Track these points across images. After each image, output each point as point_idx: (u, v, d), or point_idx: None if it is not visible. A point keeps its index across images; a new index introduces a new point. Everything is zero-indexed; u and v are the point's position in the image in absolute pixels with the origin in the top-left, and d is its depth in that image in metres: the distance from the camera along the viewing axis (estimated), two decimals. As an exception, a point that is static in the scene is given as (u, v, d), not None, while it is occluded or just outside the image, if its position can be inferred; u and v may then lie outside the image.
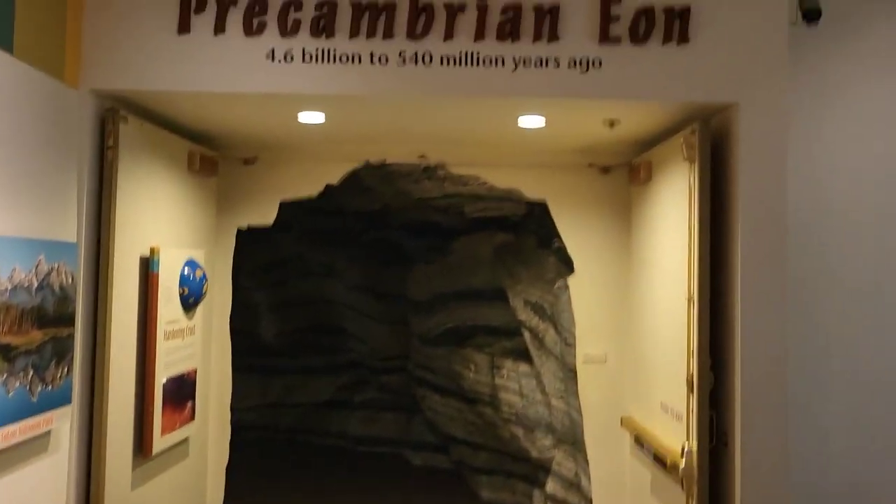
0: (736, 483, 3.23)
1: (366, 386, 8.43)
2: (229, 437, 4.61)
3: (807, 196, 3.67)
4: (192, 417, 4.07)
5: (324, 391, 8.52)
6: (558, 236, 4.72)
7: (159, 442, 3.65)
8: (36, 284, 2.76)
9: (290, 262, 8.50)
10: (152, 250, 3.59)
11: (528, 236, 5.80)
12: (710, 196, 3.33)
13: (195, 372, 4.09)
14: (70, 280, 3.01)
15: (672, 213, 3.73)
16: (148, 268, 3.58)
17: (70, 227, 3.09)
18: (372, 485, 7.12)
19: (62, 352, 2.94)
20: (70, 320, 3.01)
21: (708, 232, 3.32)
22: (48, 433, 2.93)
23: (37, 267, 2.76)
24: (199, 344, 4.15)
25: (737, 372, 3.27)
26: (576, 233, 4.66)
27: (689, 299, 3.39)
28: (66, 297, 2.97)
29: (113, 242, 3.27)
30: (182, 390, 3.91)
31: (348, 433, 8.34)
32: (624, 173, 4.57)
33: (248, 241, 5.00)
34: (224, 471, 4.59)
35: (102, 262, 3.25)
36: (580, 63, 3.29)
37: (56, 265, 2.90)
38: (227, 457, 4.60)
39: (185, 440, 4.08)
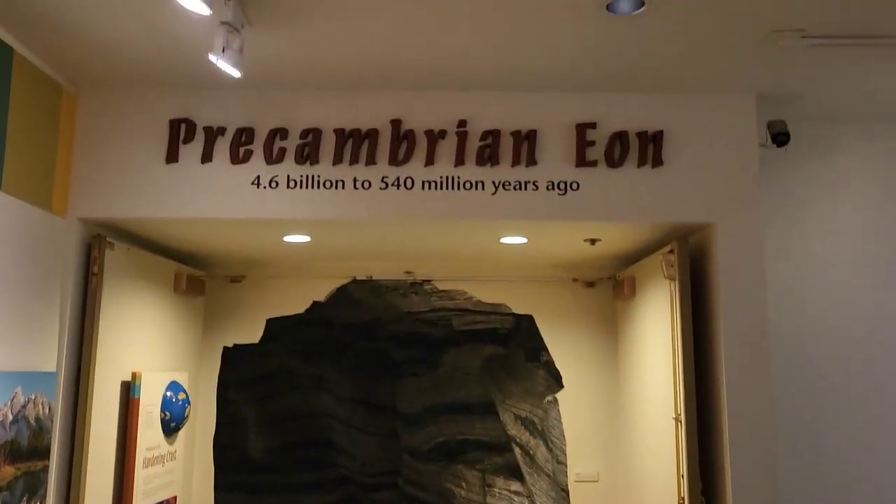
0: None
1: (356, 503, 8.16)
2: (209, 567, 4.42)
3: (785, 309, 3.70)
4: (171, 548, 3.92)
5: (312, 509, 8.24)
6: (546, 350, 4.71)
7: (134, 577, 3.50)
8: (10, 418, 2.71)
9: (279, 375, 8.39)
10: (134, 375, 3.56)
11: (517, 349, 5.77)
12: (692, 312, 3.34)
13: (175, 500, 3.97)
14: (47, 411, 2.96)
15: (656, 329, 3.74)
16: (129, 393, 3.53)
17: (50, 356, 3.07)
18: None
19: (34, 487, 2.86)
20: (45, 453, 2.95)
21: (692, 350, 3.32)
22: (15, 574, 2.81)
23: (12, 400, 2.73)
24: (179, 470, 4.05)
25: (728, 497, 3.19)
26: (563, 347, 4.65)
27: (677, 419, 3.35)
28: (41, 430, 2.91)
29: (93, 370, 3.24)
30: (160, 519, 3.79)
31: (337, 554, 8.01)
32: (609, 287, 4.60)
33: (234, 357, 4.97)
34: None
35: (82, 391, 3.21)
36: (558, 186, 3.38)
37: (33, 396, 2.87)
38: (207, 588, 4.40)
39: (163, 572, 3.91)
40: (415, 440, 7.13)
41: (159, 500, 3.75)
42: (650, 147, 3.38)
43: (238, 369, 8.53)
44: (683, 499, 3.25)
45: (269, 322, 4.78)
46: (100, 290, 3.31)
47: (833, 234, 3.80)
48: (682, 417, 3.28)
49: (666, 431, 3.47)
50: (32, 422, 2.85)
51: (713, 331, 3.36)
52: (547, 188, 3.38)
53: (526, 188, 3.38)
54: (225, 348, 4.66)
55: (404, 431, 7.39)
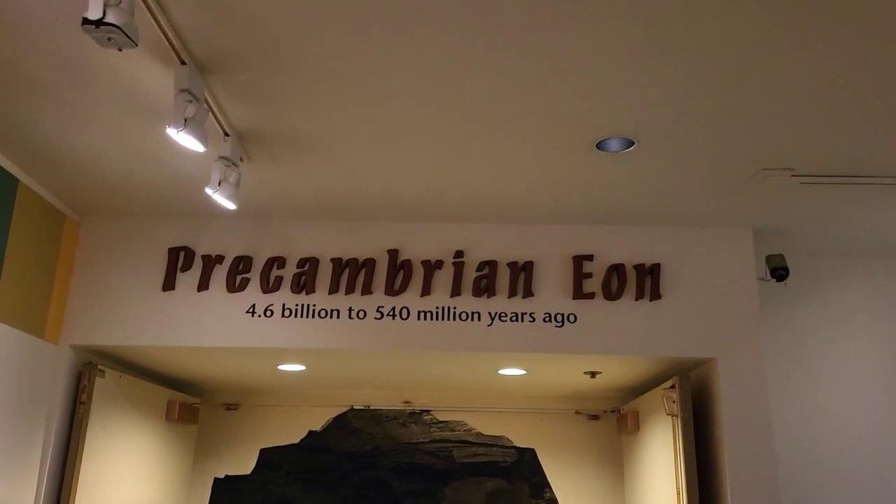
0: None
1: None
2: None
3: (790, 446, 3.56)
4: None
5: None
6: (549, 486, 4.52)
7: None
8: (-23, 557, 2.58)
9: (279, 503, 8.08)
10: (116, 510, 3.42)
11: (521, 483, 5.55)
12: (696, 448, 3.21)
13: None
14: (18, 549, 2.83)
15: (662, 466, 3.58)
16: (109, 530, 3.38)
17: (30, 491, 2.96)
18: None
19: None
20: None
21: (696, 490, 3.16)
22: None
23: (-19, 538, 2.61)
24: None
25: None
26: (567, 482, 4.46)
27: (684, 567, 3.15)
28: (10, 569, 2.77)
29: (73, 505, 3.12)
30: None
31: None
32: (612, 420, 4.46)
33: (224, 489, 4.79)
34: None
35: (58, 528, 3.08)
36: (555, 318, 3.34)
37: (4, 533, 2.74)
38: None
39: None
40: (416, 582, 6.74)
41: None
42: (647, 280, 3.36)
43: (230, 501, 8.22)
44: None
45: (264, 452, 4.65)
46: (86, 419, 3.24)
47: (836, 369, 3.71)
48: (690, 566, 3.09)
49: (673, 580, 3.26)
50: (1, 562, 2.71)
51: (718, 467, 3.22)
52: (544, 320, 3.34)
53: (523, 320, 3.34)
54: (216, 479, 4.50)
55: (405, 572, 7.00)
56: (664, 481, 3.53)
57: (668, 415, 3.37)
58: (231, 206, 2.68)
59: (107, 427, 3.40)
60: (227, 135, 2.58)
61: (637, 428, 4.02)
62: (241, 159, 2.74)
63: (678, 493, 3.24)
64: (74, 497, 3.12)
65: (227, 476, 4.52)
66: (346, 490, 7.99)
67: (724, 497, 3.15)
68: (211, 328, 3.32)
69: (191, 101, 2.18)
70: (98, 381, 3.33)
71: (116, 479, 3.49)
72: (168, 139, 2.34)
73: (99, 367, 3.34)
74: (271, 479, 8.37)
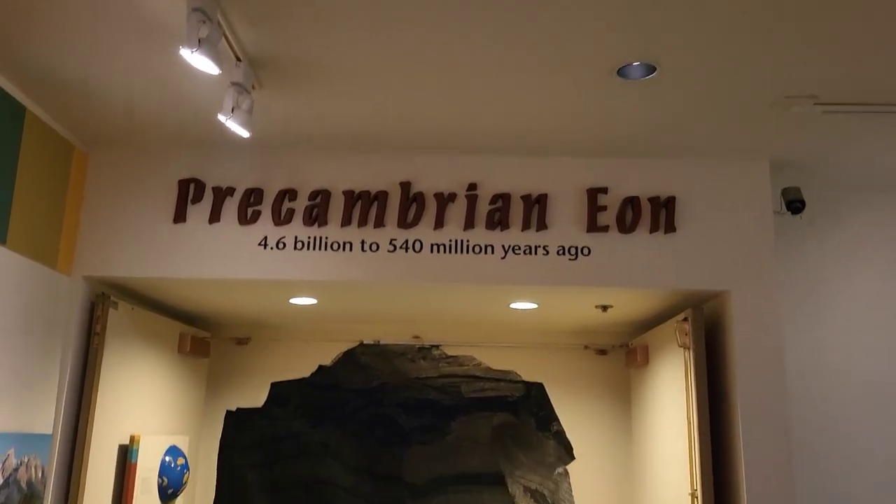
0: None
1: (360, 576, 7.87)
2: None
3: (802, 378, 3.57)
4: None
5: (315, 582, 7.95)
6: (557, 419, 4.58)
7: None
8: (1, 481, 2.62)
9: (285, 440, 8.22)
10: (132, 439, 3.47)
11: (528, 418, 5.63)
12: (707, 382, 3.23)
13: (169, 570, 3.82)
14: (40, 475, 2.87)
15: (671, 399, 3.62)
16: (126, 457, 3.43)
17: (46, 418, 2.99)
18: None
19: (22, 555, 2.75)
20: (35, 519, 2.84)
21: (707, 423, 3.19)
22: None
23: (4, 462, 2.64)
24: (175, 539, 3.91)
25: (749, 578, 3.02)
26: (575, 416, 4.51)
27: (693, 495, 3.20)
28: (33, 495, 2.81)
29: (90, 433, 3.15)
30: (153, 592, 3.63)
31: None
32: (621, 355, 4.49)
33: (237, 421, 4.86)
34: None
35: (77, 454, 3.12)
36: (569, 251, 3.32)
37: (26, 459, 2.78)
38: None
39: None
40: (421, 512, 6.90)
41: (152, 571, 3.61)
42: (662, 212, 3.33)
43: (241, 434, 8.39)
44: (701, 581, 3.08)
45: (274, 386, 4.69)
46: (101, 350, 3.25)
47: (850, 301, 3.70)
48: (699, 493, 3.14)
49: (682, 508, 3.32)
50: (24, 486, 2.75)
51: (729, 400, 3.25)
52: (558, 253, 3.32)
53: (536, 253, 3.33)
54: (228, 412, 4.56)
55: (411, 502, 7.17)
56: (673, 414, 3.56)
57: (681, 347, 3.38)
58: (244, 133, 2.64)
59: (121, 358, 3.42)
60: (239, 60, 2.51)
61: (646, 361, 4.04)
62: (253, 86, 2.68)
63: (689, 425, 3.28)
64: (92, 425, 3.15)
65: (238, 409, 4.57)
66: (354, 426, 8.13)
67: (735, 429, 3.18)
68: (223, 260, 3.31)
69: (204, 22, 2.12)
70: (111, 312, 3.33)
71: (132, 409, 3.53)
72: (180, 64, 2.28)
73: (112, 298, 3.34)
74: (279, 415, 8.51)
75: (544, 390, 4.59)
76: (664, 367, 3.75)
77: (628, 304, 3.66)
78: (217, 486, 4.47)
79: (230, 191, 3.37)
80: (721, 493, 3.19)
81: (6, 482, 2.65)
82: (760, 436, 3.14)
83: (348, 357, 5.58)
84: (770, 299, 3.26)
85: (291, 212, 3.35)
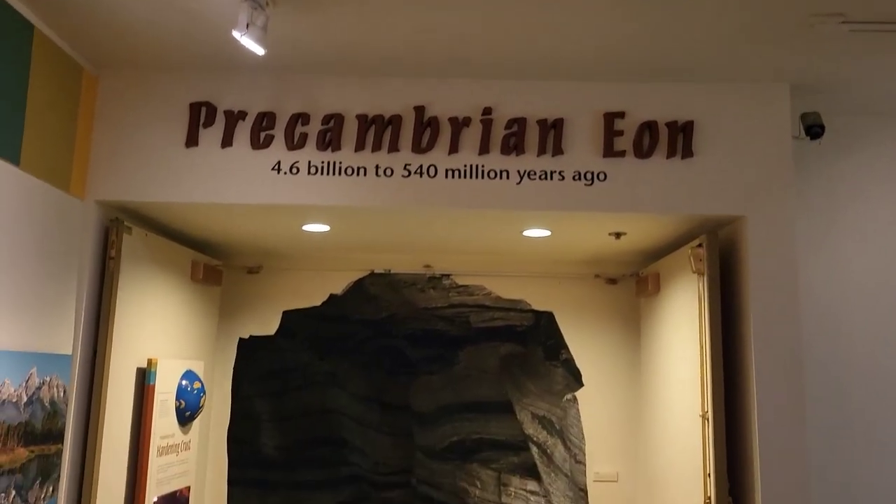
0: None
1: (368, 502, 8.09)
2: (222, 560, 4.37)
3: (818, 306, 3.59)
4: (183, 539, 3.87)
5: (324, 507, 8.17)
6: (566, 348, 4.63)
7: (146, 567, 3.44)
8: (25, 399, 2.66)
9: (293, 370, 8.34)
10: (149, 362, 3.51)
11: (536, 347, 5.69)
12: (720, 309, 3.25)
13: (188, 490, 3.92)
14: (62, 394, 2.91)
15: (682, 326, 3.65)
16: (144, 380, 3.48)
17: (66, 339, 3.02)
18: None
19: (48, 470, 2.81)
20: (59, 437, 2.90)
21: (720, 347, 3.22)
22: (26, 559, 2.77)
23: (27, 381, 2.68)
24: (193, 460, 3.99)
25: (757, 496, 3.09)
26: (584, 344, 4.56)
27: (704, 417, 3.25)
28: (56, 413, 2.86)
29: (109, 355, 3.19)
30: (173, 510, 3.73)
31: (349, 552, 7.93)
32: (631, 284, 4.51)
33: (249, 349, 4.92)
34: None
35: (97, 375, 3.17)
36: (585, 176, 3.30)
37: (48, 378, 2.82)
38: (219, 582, 4.35)
39: (175, 564, 3.86)
40: (429, 439, 7.04)
41: (173, 489, 3.70)
42: (680, 137, 3.29)
43: (253, 363, 8.51)
44: (710, 498, 3.16)
45: (286, 314, 4.73)
46: (117, 274, 3.26)
47: (867, 230, 3.69)
48: (710, 415, 3.19)
49: (692, 430, 3.38)
50: (47, 404, 2.80)
51: (742, 327, 3.27)
52: (573, 178, 3.30)
53: (552, 178, 3.30)
54: (240, 339, 4.61)
55: (418, 430, 7.31)
56: (684, 340, 3.59)
57: (695, 273, 3.39)
58: (259, 50, 2.59)
59: (136, 283, 3.44)
60: (253, -27, 2.45)
61: (657, 290, 4.06)
62: (267, 3, 2.62)
63: (701, 349, 3.31)
64: (110, 347, 3.18)
65: (251, 336, 4.62)
66: (361, 357, 8.25)
67: (747, 354, 3.22)
68: (236, 185, 3.29)
69: (220, -71, 2.05)
70: (125, 237, 3.33)
71: (148, 333, 3.56)
72: (194, -25, 2.22)
73: (125, 223, 3.34)
74: (288, 347, 8.61)
75: (554, 319, 4.62)
76: (676, 295, 3.77)
77: (642, 231, 3.65)
78: (231, 412, 4.55)
79: (242, 115, 3.33)
80: (732, 415, 3.24)
81: (30, 400, 2.69)
82: (773, 360, 3.17)
83: (358, 287, 5.60)
84: (786, 225, 3.25)
85: (304, 136, 3.32)
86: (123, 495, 3.34)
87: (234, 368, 4.71)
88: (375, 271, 4.67)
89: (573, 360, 4.58)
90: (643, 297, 4.34)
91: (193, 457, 3.99)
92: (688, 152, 3.28)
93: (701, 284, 3.35)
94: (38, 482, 2.74)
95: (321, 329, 8.19)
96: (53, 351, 2.89)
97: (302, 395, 8.47)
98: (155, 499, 3.52)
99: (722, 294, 3.29)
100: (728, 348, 3.28)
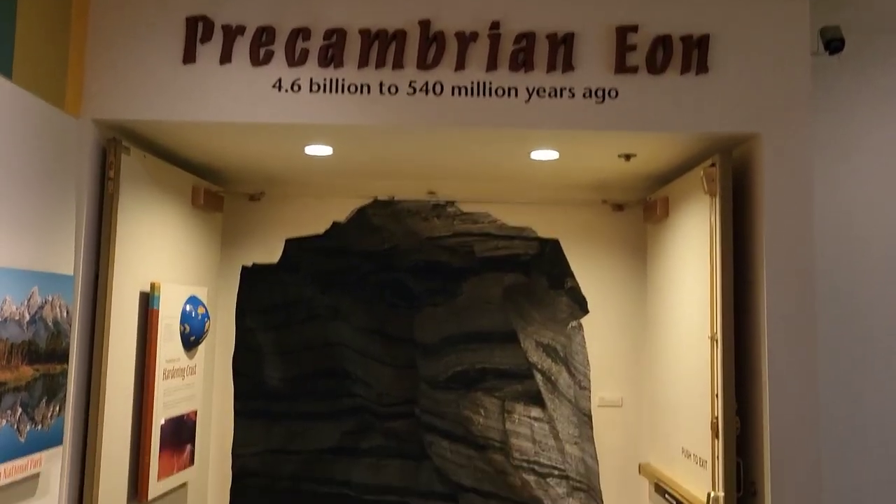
0: (766, 535, 3.03)
1: (372, 432, 8.18)
2: (230, 484, 4.41)
3: (833, 228, 3.52)
4: (192, 462, 3.90)
5: (328, 438, 8.26)
6: (571, 275, 4.59)
7: (156, 486, 3.47)
8: (28, 318, 2.63)
9: (296, 304, 8.34)
10: (153, 286, 3.47)
11: (540, 276, 5.65)
12: (732, 228, 3.19)
13: (195, 414, 3.93)
14: (65, 314, 2.88)
15: (691, 249, 3.60)
16: (148, 304, 3.45)
17: (67, 259, 2.97)
18: (377, 535, 6.84)
19: (54, 389, 2.80)
20: (63, 356, 2.87)
21: (731, 267, 3.18)
22: (37, 475, 2.77)
23: (29, 299, 2.64)
24: (199, 385, 4.00)
25: (765, 416, 3.09)
26: (589, 272, 4.52)
27: (712, 338, 3.23)
28: (59, 332, 2.83)
29: (112, 276, 3.15)
30: (181, 433, 3.75)
31: (353, 481, 8.04)
32: (639, 211, 4.45)
33: (252, 279, 4.89)
34: (224, 519, 4.38)
35: (100, 297, 3.13)
36: (595, 93, 3.20)
37: (50, 298, 2.78)
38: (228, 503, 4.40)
39: (184, 485, 3.90)
40: (432, 369, 7.08)
41: (179, 413, 3.71)
42: (695, 52, 3.18)
43: (256, 294, 8.52)
44: (717, 419, 3.16)
45: (289, 242, 4.67)
46: (116, 195, 3.19)
47: (886, 151, 3.60)
48: (719, 336, 3.16)
49: (699, 352, 3.36)
50: (50, 324, 2.76)
51: (754, 249, 3.22)
52: (584, 96, 3.20)
53: (561, 95, 3.20)
54: (244, 268, 4.57)
55: (422, 361, 7.34)
56: (693, 264, 3.55)
57: (706, 194, 3.32)
58: (259, -47, 2.46)
59: (135, 206, 3.37)
60: None
61: (666, 214, 4.00)
62: None
63: (711, 271, 3.26)
64: (112, 269, 3.14)
65: (254, 264, 4.57)
66: (364, 290, 8.24)
67: (759, 276, 3.17)
68: (236, 103, 3.19)
69: None
70: (124, 158, 3.25)
71: (150, 257, 3.51)
72: None
73: (123, 143, 3.25)
74: (290, 281, 8.60)
75: (559, 247, 4.56)
76: (685, 219, 3.71)
77: (653, 151, 3.56)
78: (235, 345, 4.53)
79: (240, 29, 3.20)
80: (741, 337, 3.22)
81: (32, 319, 2.66)
82: (785, 282, 3.13)
83: (361, 217, 5.54)
84: (802, 143, 3.16)
85: (306, 52, 3.20)
86: (131, 416, 3.34)
87: (238, 298, 4.68)
88: (379, 198, 4.59)
89: (578, 287, 4.54)
90: (651, 222, 4.28)
91: (199, 382, 3.99)
92: (703, 68, 3.17)
93: (712, 206, 3.29)
94: (44, 401, 2.73)
95: (324, 263, 8.18)
96: (55, 271, 2.84)
97: (305, 329, 8.51)
98: (162, 421, 3.53)
99: (734, 217, 3.23)
100: (738, 270, 3.24)
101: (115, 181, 3.20)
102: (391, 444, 8.06)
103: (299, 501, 7.95)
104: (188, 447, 3.83)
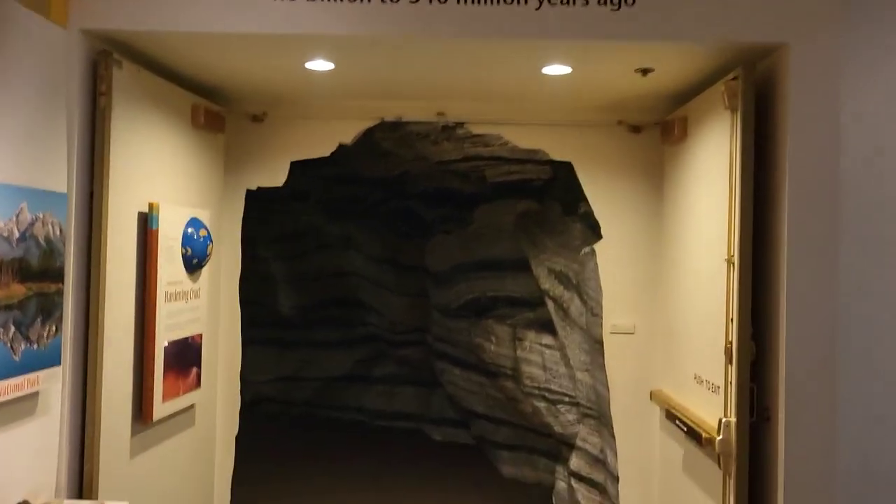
0: (779, 461, 2.96)
1: (384, 360, 8.25)
2: (239, 407, 4.41)
3: (860, 147, 3.33)
4: (198, 384, 3.87)
5: (341, 365, 8.36)
6: (585, 200, 4.44)
7: (161, 408, 3.45)
8: (17, 235, 2.55)
9: (307, 233, 8.30)
10: (151, 206, 3.38)
11: (553, 202, 5.52)
12: (754, 146, 3.03)
13: (201, 337, 3.89)
14: (58, 232, 2.80)
15: (710, 170, 3.44)
16: (146, 224, 3.36)
17: (59, 175, 2.87)
18: (391, 460, 6.95)
19: (49, 309, 2.74)
20: (58, 276, 2.81)
21: (751, 185, 3.03)
22: (35, 395, 2.74)
23: (17, 216, 2.55)
24: (204, 308, 3.94)
25: (781, 341, 2.99)
26: (604, 196, 4.37)
27: (729, 261, 3.11)
28: (53, 251, 2.76)
29: (108, 195, 3.05)
30: (186, 355, 3.71)
31: (366, 408, 8.17)
32: (656, 132, 4.26)
33: (261, 207, 4.77)
34: (234, 439, 4.40)
35: (96, 215, 3.04)
36: (611, 0, 3.00)
37: (41, 215, 2.69)
38: (237, 426, 4.41)
39: (191, 407, 3.89)
40: (444, 298, 7.04)
41: (183, 335, 3.66)
42: (720, -46, 2.96)
43: (266, 222, 8.50)
44: (731, 343, 3.06)
45: (294, 165, 4.54)
46: (109, 111, 3.07)
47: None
48: (736, 258, 3.04)
49: (716, 275, 3.24)
50: (42, 241, 2.69)
51: (776, 167, 3.06)
52: (599, 3, 3.00)
53: (575, 3, 3.01)
54: (248, 191, 4.46)
55: (433, 290, 7.31)
56: (711, 185, 3.40)
57: (727, 109, 3.15)
58: None
59: (131, 124, 3.25)
60: None
61: (684, 135, 3.82)
62: None
63: (731, 191, 3.11)
64: (108, 186, 3.04)
65: (259, 188, 4.46)
66: (375, 219, 8.19)
67: (781, 201, 3.02)
68: (232, 11, 3.02)
69: None
70: (116, 73, 3.11)
71: (148, 177, 3.41)
72: None
73: (115, 56, 3.11)
74: (300, 210, 8.56)
75: (573, 170, 4.40)
76: (704, 140, 3.54)
77: (672, 65, 3.37)
78: (243, 271, 4.45)
79: (235, -68, 3.02)
80: (759, 260, 3.09)
81: (22, 236, 2.58)
82: (807, 203, 2.98)
83: (369, 141, 5.38)
84: (832, 56, 2.97)
85: (304, -43, 3.01)
86: (133, 337, 3.30)
87: (244, 224, 4.58)
88: (386, 119, 4.43)
89: (592, 212, 4.41)
90: (668, 144, 4.11)
91: (204, 306, 3.94)
92: (727, -29, 2.96)
93: (734, 122, 3.12)
94: (39, 320, 2.67)
95: (335, 191, 8.10)
96: (45, 188, 2.75)
97: (317, 258, 8.52)
98: (166, 343, 3.49)
99: (756, 135, 3.06)
100: (759, 192, 3.09)
101: (108, 96, 3.07)
102: (404, 372, 8.15)
103: (313, 427, 8.09)
104: (194, 370, 3.80)
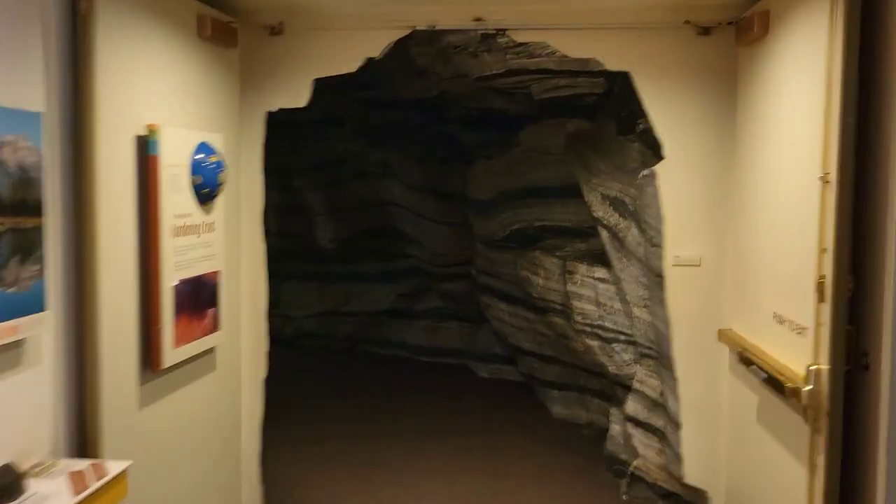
0: (880, 416, 2.49)
1: (427, 294, 7.92)
2: (266, 348, 4.10)
3: None
4: (216, 327, 3.55)
5: (383, 299, 8.07)
6: (644, 116, 3.90)
7: (172, 354, 3.14)
8: (-21, 159, 2.18)
9: (344, 161, 7.90)
10: (150, 129, 2.98)
11: (608, 120, 4.96)
12: (859, 37, 2.47)
13: (217, 275, 3.54)
14: (34, 159, 2.42)
15: (798, 71, 2.89)
16: (145, 150, 2.98)
17: (33, 93, 2.49)
18: (435, 396, 6.67)
19: (27, 247, 2.39)
20: (36, 209, 2.45)
21: (856, 88, 2.48)
22: (17, 344, 2.42)
23: (-22, 138, 2.18)
24: (221, 243, 3.58)
25: (887, 275, 2.48)
26: (666, 111, 3.82)
27: (824, 179, 2.59)
28: (28, 180, 2.39)
29: (93, 116, 2.67)
30: (200, 295, 3.38)
31: (409, 343, 7.89)
32: (729, 33, 3.67)
33: (292, 135, 4.35)
34: (261, 383, 4.10)
35: (83, 139, 2.67)
36: None
37: (11, 139, 2.32)
38: (265, 368, 4.10)
39: (211, 351, 3.58)
40: (488, 228, 6.59)
41: (196, 273, 3.32)
42: None
43: (297, 152, 8.06)
44: (824, 277, 2.57)
45: (327, 88, 4.09)
46: (91, 15, 2.65)
47: None
48: (834, 175, 2.52)
49: (805, 198, 2.73)
50: (13, 168, 2.32)
51: (885, 67, 2.50)
52: None
53: None
54: (269, 113, 4.03)
55: (476, 219, 6.86)
56: (800, 87, 2.85)
57: (826, -7, 2.57)
58: None
59: (123, 33, 2.84)
60: None
61: (765, 32, 3.24)
62: None
63: (827, 95, 2.57)
64: (94, 105, 2.66)
65: (280, 109, 4.03)
66: (414, 145, 7.71)
67: (890, 108, 2.47)
68: None
69: None
70: (99, -29, 2.68)
71: (146, 95, 3.01)
72: None
73: (95, -50, 2.67)
74: (335, 135, 8.11)
75: (630, 81, 3.85)
76: (793, 34, 2.97)
77: (756, -56, 2.78)
78: (275, 203, 4.06)
79: None
80: (858, 180, 2.56)
81: (-13, 162, 2.21)
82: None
83: (402, 59, 4.86)
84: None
85: None
86: (135, 277, 2.96)
87: (273, 150, 4.18)
88: (418, 27, 3.92)
89: (652, 130, 3.87)
90: (745, 45, 3.53)
91: (221, 240, 3.58)
92: None
93: (833, 9, 2.55)
94: (16, 259, 2.33)
95: (371, 116, 7.62)
96: (14, 106, 2.36)
97: (355, 187, 8.12)
98: (176, 282, 3.15)
99: (861, 28, 2.49)
100: (862, 97, 2.53)
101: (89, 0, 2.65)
102: (448, 307, 7.80)
103: (355, 362, 7.86)
104: (211, 311, 3.47)
